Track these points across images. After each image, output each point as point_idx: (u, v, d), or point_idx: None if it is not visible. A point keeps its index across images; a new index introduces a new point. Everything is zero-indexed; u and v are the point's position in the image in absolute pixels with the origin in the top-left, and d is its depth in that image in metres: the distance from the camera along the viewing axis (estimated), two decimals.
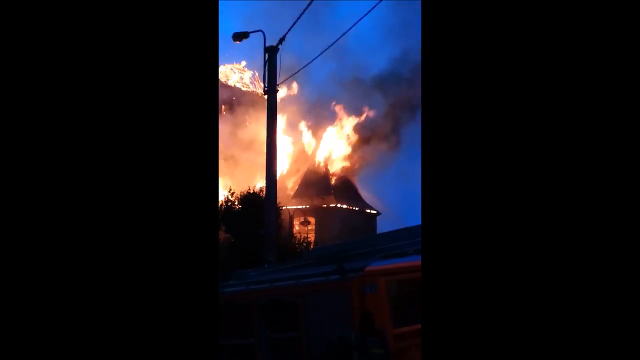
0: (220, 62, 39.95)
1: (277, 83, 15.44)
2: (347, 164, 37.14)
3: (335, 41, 15.45)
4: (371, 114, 36.68)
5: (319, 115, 37.58)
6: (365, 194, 38.37)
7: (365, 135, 36.34)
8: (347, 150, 36.76)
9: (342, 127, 36.86)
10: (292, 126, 37.26)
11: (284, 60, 15.28)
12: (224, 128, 34.48)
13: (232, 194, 24.70)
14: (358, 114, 36.86)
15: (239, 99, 38.36)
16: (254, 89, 39.22)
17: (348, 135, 36.75)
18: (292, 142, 37.33)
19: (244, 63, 41.31)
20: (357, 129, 36.49)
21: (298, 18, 14.60)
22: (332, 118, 37.13)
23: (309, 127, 38.03)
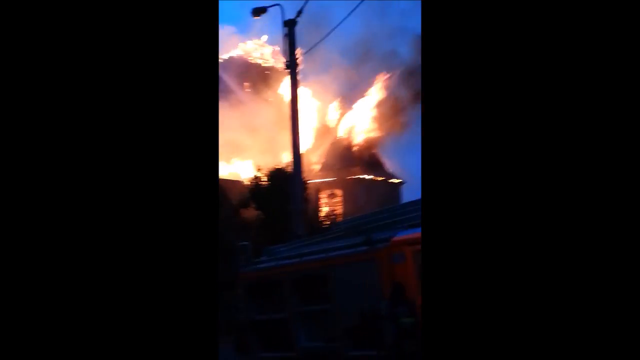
0: (241, 39, 39.84)
1: (296, 57, 15.39)
2: (372, 133, 36.72)
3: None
4: (395, 77, 35.91)
5: (349, 82, 36.76)
6: (389, 162, 38.15)
7: (393, 99, 35.67)
8: (374, 115, 36.13)
9: (371, 93, 36.19)
10: (319, 97, 36.77)
11: (310, 28, 15.05)
12: (246, 105, 34.47)
13: (260, 169, 24.87)
14: (388, 72, 35.93)
15: (259, 75, 38.19)
16: (275, 64, 38.96)
17: (376, 101, 36.12)
18: (318, 114, 37.02)
19: (264, 38, 40.97)
20: (386, 92, 35.77)
21: None
22: (361, 84, 36.30)
23: (336, 96, 37.57)
